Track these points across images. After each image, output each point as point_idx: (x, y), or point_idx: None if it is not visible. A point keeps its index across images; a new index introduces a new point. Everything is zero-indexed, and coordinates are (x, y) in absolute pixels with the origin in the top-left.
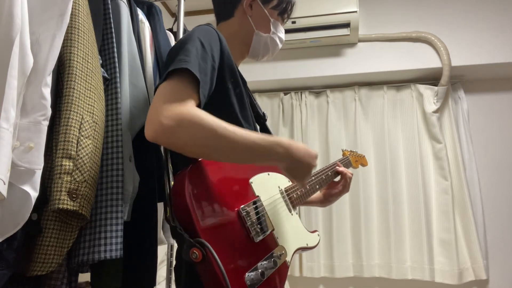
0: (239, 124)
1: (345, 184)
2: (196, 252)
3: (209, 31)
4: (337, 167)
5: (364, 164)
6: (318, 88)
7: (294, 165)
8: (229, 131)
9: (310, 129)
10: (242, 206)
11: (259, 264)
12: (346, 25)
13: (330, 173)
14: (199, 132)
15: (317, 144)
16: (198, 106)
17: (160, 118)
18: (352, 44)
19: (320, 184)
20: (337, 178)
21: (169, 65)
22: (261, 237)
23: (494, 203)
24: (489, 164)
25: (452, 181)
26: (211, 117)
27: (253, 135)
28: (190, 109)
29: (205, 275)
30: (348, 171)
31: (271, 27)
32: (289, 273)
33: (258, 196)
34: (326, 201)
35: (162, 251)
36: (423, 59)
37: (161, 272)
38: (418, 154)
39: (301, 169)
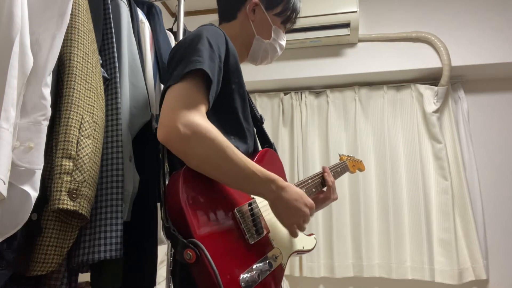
0: (240, 124)
1: (328, 193)
2: (190, 253)
3: (216, 31)
4: (325, 174)
5: (361, 169)
6: (318, 88)
7: (279, 204)
8: (236, 156)
9: (310, 129)
10: (237, 207)
11: (254, 266)
12: (346, 25)
13: (312, 184)
14: (210, 148)
15: (317, 144)
16: (208, 107)
17: (177, 124)
18: (352, 44)
19: (316, 187)
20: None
21: (179, 63)
22: (256, 239)
23: (494, 203)
24: (489, 164)
25: (452, 181)
26: (223, 137)
27: (255, 166)
28: (206, 122)
29: (199, 276)
30: (330, 179)
31: (272, 34)
32: (289, 273)
33: (253, 198)
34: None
35: (162, 251)
36: (423, 59)
37: (161, 272)
38: (418, 154)
39: (287, 212)
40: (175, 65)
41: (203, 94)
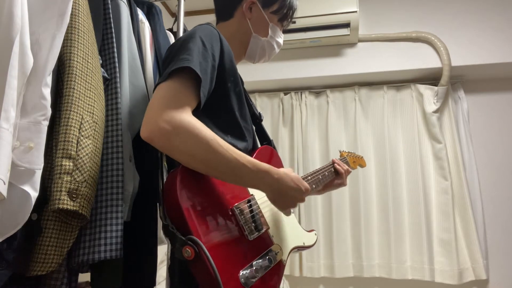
0: (237, 122)
1: (340, 179)
2: (189, 250)
3: (210, 30)
4: (335, 165)
5: (362, 165)
6: (318, 88)
7: (276, 196)
8: (222, 148)
9: (310, 129)
10: (236, 204)
11: (253, 262)
12: (346, 25)
13: (327, 173)
14: (193, 142)
15: (317, 144)
16: (198, 105)
17: (158, 121)
18: (352, 44)
19: (317, 184)
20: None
21: (170, 62)
22: (255, 236)
23: (494, 203)
24: (489, 164)
25: (452, 181)
26: (208, 130)
27: (246, 158)
28: (189, 117)
29: (198, 273)
30: (344, 167)
31: (269, 32)
32: (289, 273)
33: (252, 194)
34: (323, 191)
35: (162, 251)
36: (423, 59)
37: (161, 272)
38: (418, 154)
39: (284, 200)
40: (167, 64)
41: (190, 92)
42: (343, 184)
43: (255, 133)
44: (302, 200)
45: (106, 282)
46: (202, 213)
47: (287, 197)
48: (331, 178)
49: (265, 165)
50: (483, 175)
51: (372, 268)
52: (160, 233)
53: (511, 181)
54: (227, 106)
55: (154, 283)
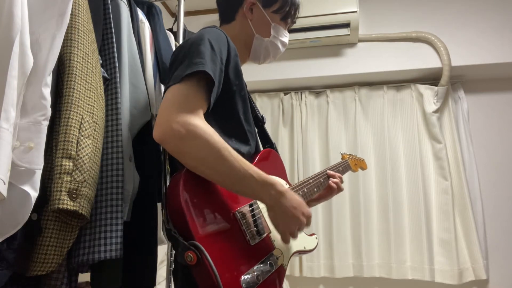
0: (241, 126)
1: (329, 190)
2: (191, 255)
3: (218, 33)
4: (328, 171)
5: (363, 167)
6: (318, 88)
7: (278, 211)
8: (232, 157)
9: (310, 129)
10: (238, 208)
11: (255, 267)
12: (346, 25)
13: (322, 180)
14: (206, 148)
15: (317, 144)
16: (208, 108)
17: (172, 123)
18: (352, 44)
19: (318, 187)
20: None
21: (180, 65)
22: (257, 240)
23: (494, 203)
24: (489, 164)
25: (452, 181)
26: (219, 138)
27: (253, 169)
28: (202, 122)
29: (200, 278)
30: (335, 180)
31: (272, 31)
32: (289, 273)
33: None
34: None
35: (162, 251)
36: (423, 59)
37: (161, 272)
38: (418, 154)
39: (284, 219)
40: (176, 66)
41: (202, 95)
42: (326, 199)
43: (258, 135)
44: (303, 224)
45: (106, 282)
46: (205, 217)
47: (287, 215)
48: (320, 190)
49: (271, 178)
50: (483, 175)
51: (372, 268)
52: (160, 233)
53: (511, 181)
54: (233, 109)
55: (154, 283)
